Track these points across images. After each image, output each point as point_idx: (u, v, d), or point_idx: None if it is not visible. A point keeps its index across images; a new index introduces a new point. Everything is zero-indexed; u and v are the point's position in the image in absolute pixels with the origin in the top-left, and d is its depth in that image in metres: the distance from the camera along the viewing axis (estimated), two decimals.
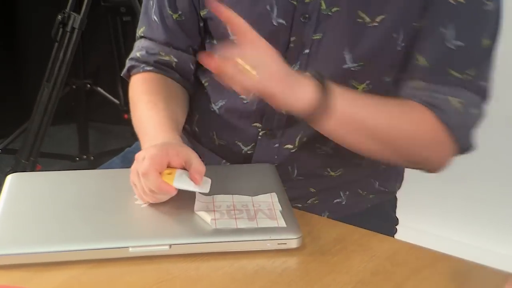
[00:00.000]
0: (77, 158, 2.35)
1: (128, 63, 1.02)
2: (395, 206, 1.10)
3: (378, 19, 0.86)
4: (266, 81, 0.75)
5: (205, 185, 0.79)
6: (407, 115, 0.86)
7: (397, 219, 1.09)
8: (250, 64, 0.74)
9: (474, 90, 0.87)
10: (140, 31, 1.03)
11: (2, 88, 2.59)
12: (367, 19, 0.86)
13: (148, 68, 0.99)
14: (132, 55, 1.02)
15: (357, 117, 0.83)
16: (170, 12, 0.97)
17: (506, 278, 0.67)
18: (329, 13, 0.87)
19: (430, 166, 0.91)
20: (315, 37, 0.89)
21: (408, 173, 1.09)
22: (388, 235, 0.81)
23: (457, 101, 0.86)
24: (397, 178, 1.08)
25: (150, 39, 1.01)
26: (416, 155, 0.89)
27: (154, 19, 0.99)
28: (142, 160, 0.77)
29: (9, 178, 0.84)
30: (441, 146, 0.88)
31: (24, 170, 1.99)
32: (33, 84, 2.19)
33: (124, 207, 0.78)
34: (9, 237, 0.72)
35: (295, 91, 0.78)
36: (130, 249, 0.71)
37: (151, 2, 0.99)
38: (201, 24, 0.98)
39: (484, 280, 0.73)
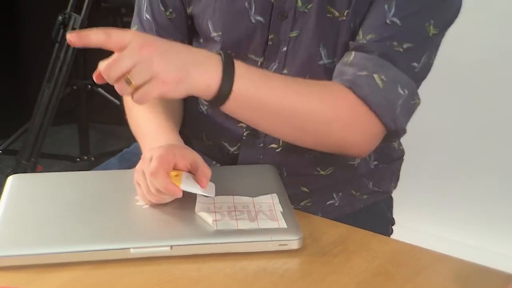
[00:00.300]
0: (78, 159, 2.36)
1: None
2: (391, 206, 1.10)
3: (345, 13, 0.86)
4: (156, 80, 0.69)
5: (211, 189, 0.79)
6: (320, 94, 0.82)
7: (393, 219, 1.09)
8: (132, 74, 0.69)
9: (403, 68, 0.83)
10: (132, 30, 1.01)
11: (2, 88, 2.59)
12: (336, 14, 0.87)
13: None
14: None
15: (261, 99, 0.78)
16: (162, 9, 0.97)
17: (508, 279, 0.67)
18: (305, 10, 0.88)
19: (354, 149, 0.87)
20: (292, 35, 0.89)
21: (405, 172, 1.09)
22: (384, 234, 0.80)
23: (380, 78, 0.82)
24: (392, 177, 1.07)
25: None
26: (335, 137, 0.84)
27: (146, 17, 0.98)
28: (149, 160, 0.77)
29: (10, 180, 0.85)
30: (361, 125, 0.84)
31: (25, 171, 1.99)
32: (33, 85, 2.19)
33: (125, 208, 0.78)
34: (10, 238, 0.72)
35: (194, 77, 0.72)
36: (131, 250, 0.71)
37: (143, 1, 0.98)
38: (189, 22, 0.98)
39: (485, 281, 0.73)
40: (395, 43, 0.82)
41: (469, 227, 1.90)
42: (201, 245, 0.72)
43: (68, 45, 1.98)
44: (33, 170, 2.03)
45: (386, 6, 0.83)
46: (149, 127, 0.90)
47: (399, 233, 1.06)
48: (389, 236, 1.06)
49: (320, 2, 0.87)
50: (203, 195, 0.79)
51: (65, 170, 0.89)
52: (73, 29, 1.98)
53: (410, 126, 0.90)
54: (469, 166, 1.86)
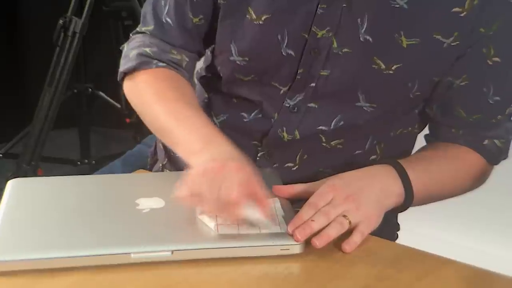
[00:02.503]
0: (79, 163, 2.35)
1: (135, 59, 0.94)
2: (397, 211, 1.09)
3: (394, 67, 0.86)
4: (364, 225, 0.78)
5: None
6: (464, 169, 0.93)
7: (398, 224, 1.08)
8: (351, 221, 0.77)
9: (509, 120, 0.94)
10: (144, 28, 0.98)
11: (3, 92, 2.59)
12: (383, 66, 0.86)
13: (162, 65, 0.94)
14: (137, 50, 0.95)
15: (430, 193, 0.89)
16: (190, 15, 0.94)
17: None
18: (340, 53, 0.86)
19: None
20: (322, 73, 0.88)
21: None
22: (389, 239, 0.81)
23: (501, 142, 0.94)
24: None
25: (160, 39, 0.96)
26: (468, 191, 0.96)
27: (167, 20, 0.95)
28: (224, 178, 0.72)
29: (10, 184, 0.84)
30: (487, 178, 0.97)
31: (25, 174, 1.99)
32: (34, 88, 2.19)
33: (126, 213, 0.78)
34: (10, 243, 0.71)
35: (388, 205, 0.83)
36: (132, 255, 0.70)
37: (163, 3, 0.95)
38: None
39: (490, 286, 0.72)
40: (500, 117, 0.91)
41: (474, 231, 1.89)
42: (203, 250, 0.72)
43: (69, 49, 1.98)
44: (34, 173, 2.02)
45: (485, 89, 0.88)
46: (195, 123, 0.84)
47: (402, 236, 1.05)
48: (395, 241, 1.06)
49: (365, 50, 0.85)
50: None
51: (66, 174, 0.89)
52: (74, 32, 1.98)
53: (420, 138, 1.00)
54: None
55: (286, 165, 0.95)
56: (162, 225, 0.75)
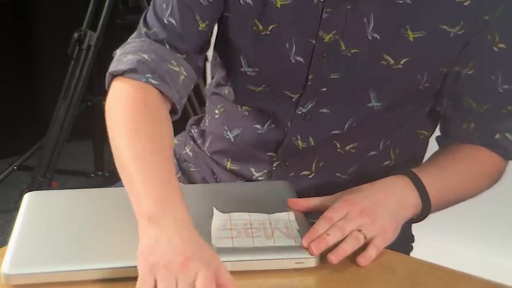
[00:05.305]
0: (92, 175, 2.36)
1: (130, 64, 0.87)
2: (411, 223, 1.08)
3: (403, 61, 0.86)
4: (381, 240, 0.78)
5: None
6: (479, 169, 0.92)
7: (413, 236, 1.08)
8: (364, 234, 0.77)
9: None
10: (145, 30, 0.92)
11: (18, 105, 2.61)
12: (392, 61, 0.86)
13: (154, 82, 0.85)
14: (134, 55, 0.88)
15: (447, 199, 0.89)
16: (197, 17, 0.89)
17: None
18: (348, 54, 0.87)
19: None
20: (332, 76, 0.88)
21: None
22: (404, 252, 0.81)
23: (511, 134, 0.91)
24: None
25: (162, 42, 0.90)
26: (484, 190, 0.95)
27: (170, 21, 0.89)
28: (181, 263, 0.65)
29: (27, 197, 0.85)
30: (501, 175, 0.95)
31: (40, 187, 2.00)
32: (49, 101, 2.21)
33: None
34: (27, 256, 0.72)
35: (405, 216, 0.82)
36: None
37: (164, 5, 0.90)
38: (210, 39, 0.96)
39: None
40: (510, 107, 0.90)
41: (490, 244, 1.87)
42: None
43: (84, 62, 2.00)
44: (48, 186, 2.03)
45: (493, 77, 0.87)
46: (156, 177, 0.74)
47: (418, 250, 1.04)
48: (409, 254, 1.05)
49: (373, 48, 0.86)
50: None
51: (80, 186, 0.89)
52: (89, 46, 1.99)
53: (430, 142, 0.97)
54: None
55: (302, 173, 0.95)
56: None
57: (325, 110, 0.91)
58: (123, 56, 0.90)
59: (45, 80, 2.69)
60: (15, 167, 2.28)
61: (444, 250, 1.85)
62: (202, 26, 0.90)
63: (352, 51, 0.87)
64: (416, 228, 1.08)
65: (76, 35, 2.00)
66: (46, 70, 2.69)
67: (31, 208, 0.82)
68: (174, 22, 0.89)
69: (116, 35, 2.23)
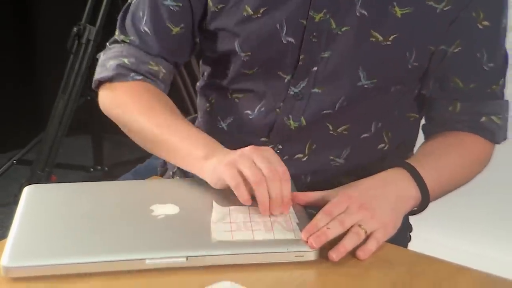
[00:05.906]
0: (92, 169, 2.37)
1: (113, 69, 0.95)
2: (409, 215, 1.09)
3: (391, 38, 0.87)
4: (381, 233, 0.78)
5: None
6: (469, 156, 0.94)
7: (411, 225, 1.08)
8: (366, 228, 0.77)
9: (502, 96, 0.95)
10: (123, 37, 0.99)
11: (17, 99, 2.61)
12: (380, 38, 0.87)
13: (139, 78, 0.95)
14: (115, 60, 0.96)
15: (443, 188, 0.89)
16: (169, 25, 0.95)
17: None
18: (339, 32, 0.88)
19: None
20: (323, 55, 0.90)
21: None
22: (403, 242, 0.81)
23: (498, 118, 0.94)
24: None
25: (139, 48, 0.97)
26: (475, 175, 0.96)
27: (145, 30, 0.96)
28: (271, 155, 0.79)
29: (26, 190, 0.85)
30: (489, 159, 0.96)
31: (39, 181, 2.00)
32: (48, 95, 2.21)
33: (141, 219, 0.78)
34: (26, 249, 0.72)
35: (405, 209, 0.83)
36: (147, 261, 0.71)
37: (141, 13, 0.96)
38: (197, 40, 0.99)
39: None
40: (494, 86, 0.93)
41: (488, 238, 1.88)
42: (217, 256, 0.72)
43: (83, 56, 2.00)
44: (47, 180, 2.04)
45: (478, 55, 0.89)
46: (192, 131, 0.88)
47: (414, 244, 1.05)
48: (408, 243, 1.06)
49: (362, 25, 0.87)
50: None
51: (79, 180, 0.89)
52: (88, 40, 1.99)
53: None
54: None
55: (295, 156, 0.96)
56: (177, 231, 0.76)
57: (316, 90, 0.92)
58: (107, 62, 0.97)
59: (44, 74, 2.68)
60: (14, 161, 2.28)
61: (441, 244, 1.86)
62: (176, 30, 0.96)
63: (343, 29, 0.88)
64: (412, 223, 1.08)
65: (75, 29, 2.00)
66: (45, 64, 2.68)
67: (30, 201, 0.82)
68: (148, 31, 0.96)
69: (115, 29, 2.23)
